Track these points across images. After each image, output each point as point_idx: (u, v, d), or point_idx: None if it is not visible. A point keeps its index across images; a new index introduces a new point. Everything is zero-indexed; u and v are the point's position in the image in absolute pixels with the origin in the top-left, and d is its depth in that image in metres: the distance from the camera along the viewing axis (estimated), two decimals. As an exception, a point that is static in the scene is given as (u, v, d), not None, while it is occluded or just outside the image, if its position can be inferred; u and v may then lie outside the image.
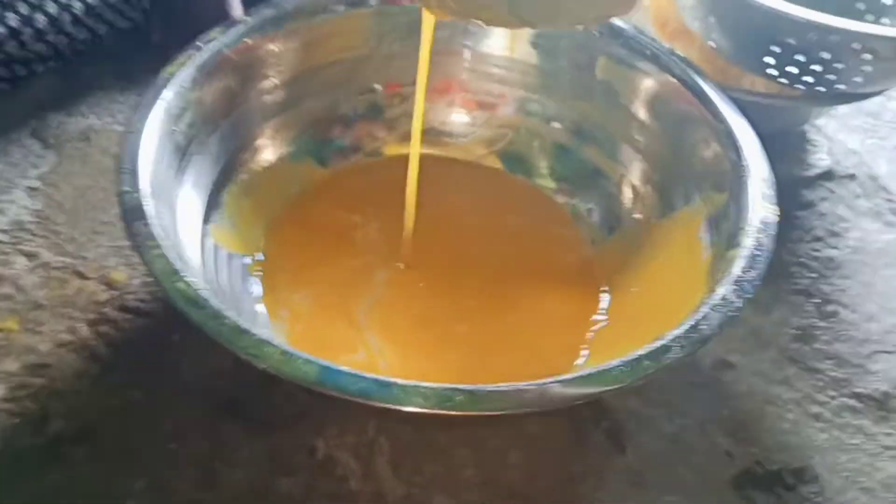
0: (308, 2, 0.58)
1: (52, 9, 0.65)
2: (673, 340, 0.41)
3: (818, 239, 0.67)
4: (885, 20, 0.73)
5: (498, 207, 0.62)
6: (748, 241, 0.45)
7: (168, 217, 0.47)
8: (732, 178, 0.50)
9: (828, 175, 0.73)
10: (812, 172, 0.73)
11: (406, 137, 0.65)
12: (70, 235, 0.60)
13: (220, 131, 0.55)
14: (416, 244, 0.58)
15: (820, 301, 0.62)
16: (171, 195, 0.50)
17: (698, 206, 0.54)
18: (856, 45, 0.57)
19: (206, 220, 0.53)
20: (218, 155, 0.55)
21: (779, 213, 0.47)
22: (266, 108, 0.59)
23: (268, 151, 0.60)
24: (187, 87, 0.52)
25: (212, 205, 0.54)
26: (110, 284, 0.57)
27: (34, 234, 0.59)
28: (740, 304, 0.42)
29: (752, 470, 0.52)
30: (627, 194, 0.60)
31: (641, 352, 0.40)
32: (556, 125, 0.63)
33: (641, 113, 0.59)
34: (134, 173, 0.45)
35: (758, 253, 0.45)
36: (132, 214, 0.43)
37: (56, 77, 0.71)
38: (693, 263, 0.51)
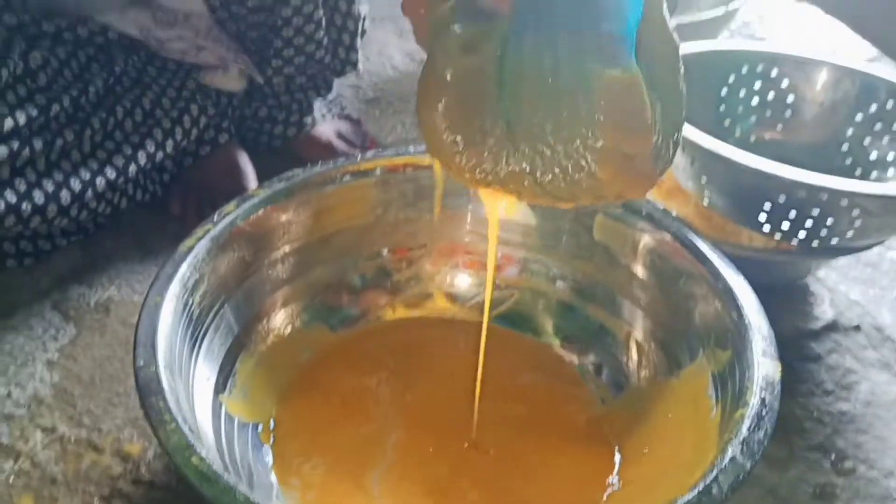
0: (316, 174, 0.61)
1: (75, 186, 0.69)
2: (684, 505, 0.40)
3: (829, 392, 0.67)
4: (873, 174, 0.76)
5: (509, 368, 0.63)
6: (754, 400, 0.46)
7: (183, 389, 0.48)
8: (734, 336, 0.51)
9: (833, 327, 0.73)
10: (817, 325, 0.73)
11: (412, 301, 0.67)
12: (86, 407, 0.61)
13: (234, 300, 0.57)
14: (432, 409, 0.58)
15: (836, 457, 0.62)
16: (187, 367, 0.51)
17: (703, 363, 0.54)
18: (844, 202, 0.59)
19: (220, 390, 0.54)
20: (232, 325, 0.57)
21: (781, 370, 0.48)
22: (278, 276, 0.61)
23: (279, 319, 0.62)
24: (203, 259, 0.54)
25: (225, 374, 0.55)
26: (125, 457, 0.57)
27: (51, 408, 0.60)
28: (749, 467, 0.42)
29: None
30: (633, 352, 0.61)
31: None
32: (560, 284, 0.65)
33: (640, 271, 0.60)
34: (150, 347, 0.47)
35: (763, 412, 0.45)
36: (147, 390, 0.44)
37: (78, 249, 0.74)
38: (702, 423, 0.51)
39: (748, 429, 0.44)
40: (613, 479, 0.55)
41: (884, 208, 0.60)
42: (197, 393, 0.51)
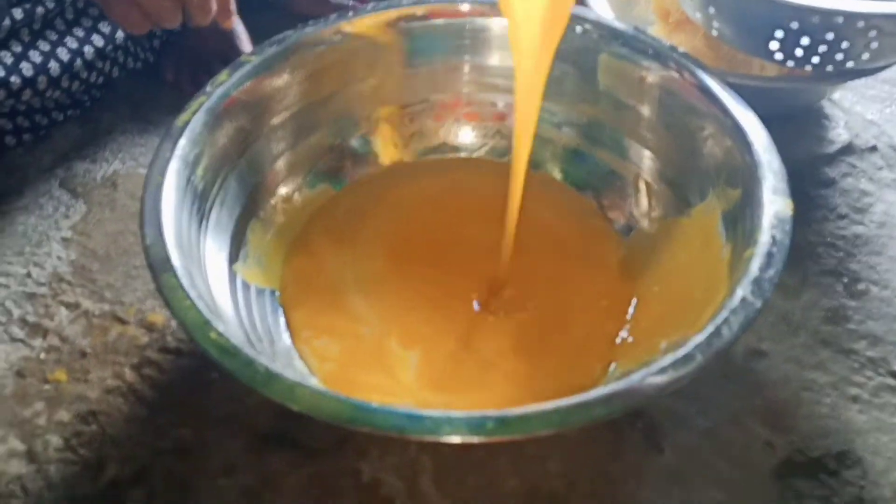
0: (308, 34, 0.59)
1: (63, 55, 0.67)
2: (695, 348, 0.41)
3: (843, 216, 0.67)
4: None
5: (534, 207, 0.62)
6: (764, 238, 0.46)
7: (196, 265, 0.48)
8: (744, 174, 0.51)
9: (848, 149, 0.72)
10: (832, 149, 0.72)
11: (416, 152, 0.66)
12: (106, 282, 0.62)
13: (238, 170, 0.57)
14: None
15: (849, 280, 0.62)
16: (196, 241, 0.51)
17: (713, 201, 0.54)
18: (860, 24, 0.57)
19: (233, 259, 0.55)
20: (238, 194, 0.57)
21: (792, 207, 0.47)
22: (279, 143, 0.60)
23: (286, 185, 0.61)
24: (200, 133, 0.53)
25: (236, 244, 0.56)
26: (149, 327, 0.59)
27: (72, 284, 0.61)
28: (759, 306, 0.43)
29: (794, 458, 0.53)
30: (643, 193, 0.61)
31: (665, 362, 0.40)
32: (567, 130, 0.63)
33: (647, 111, 0.59)
34: (157, 226, 0.47)
35: (774, 250, 0.45)
36: (159, 268, 0.45)
37: (76, 125, 0.73)
38: (713, 262, 0.51)
39: (759, 267, 0.44)
40: (628, 317, 0.56)
41: (902, 26, 0.57)
42: (210, 266, 0.52)
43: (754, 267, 0.45)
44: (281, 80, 0.58)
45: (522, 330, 0.55)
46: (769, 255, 0.45)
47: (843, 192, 0.69)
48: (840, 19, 0.57)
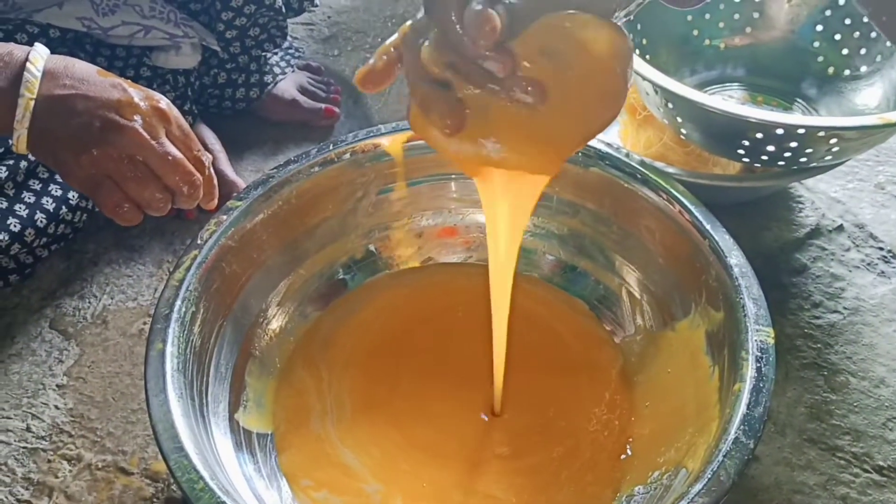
0: (290, 172, 0.60)
1: (49, 205, 0.68)
2: (697, 495, 0.43)
3: (817, 305, 0.69)
4: (846, 72, 0.75)
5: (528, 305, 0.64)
6: (750, 373, 0.48)
7: (202, 429, 0.49)
8: (725, 298, 0.53)
9: (816, 232, 0.75)
10: (801, 233, 0.75)
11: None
12: (106, 430, 0.62)
13: (233, 316, 0.58)
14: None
15: (828, 373, 0.65)
16: (200, 400, 0.52)
17: (697, 319, 0.56)
18: (821, 134, 0.59)
19: (234, 409, 0.56)
20: (234, 339, 0.58)
21: (774, 337, 0.49)
22: (270, 279, 0.61)
23: (278, 318, 0.62)
24: (195, 290, 0.54)
25: (236, 390, 0.57)
26: (153, 477, 0.59)
27: (72, 436, 0.62)
28: (752, 446, 0.45)
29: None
30: (627, 303, 0.62)
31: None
32: (554, 241, 0.65)
33: (628, 226, 0.61)
34: (163, 396, 0.48)
35: (761, 385, 0.47)
36: (169, 447, 0.45)
37: (61, 258, 0.73)
38: (703, 385, 0.53)
39: (747, 405, 0.46)
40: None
41: (862, 134, 0.60)
42: (214, 424, 0.53)
43: (743, 405, 0.46)
44: (268, 220, 0.60)
45: (531, 467, 0.56)
46: (757, 390, 0.47)
47: (814, 277, 0.71)
48: (802, 131, 0.59)
